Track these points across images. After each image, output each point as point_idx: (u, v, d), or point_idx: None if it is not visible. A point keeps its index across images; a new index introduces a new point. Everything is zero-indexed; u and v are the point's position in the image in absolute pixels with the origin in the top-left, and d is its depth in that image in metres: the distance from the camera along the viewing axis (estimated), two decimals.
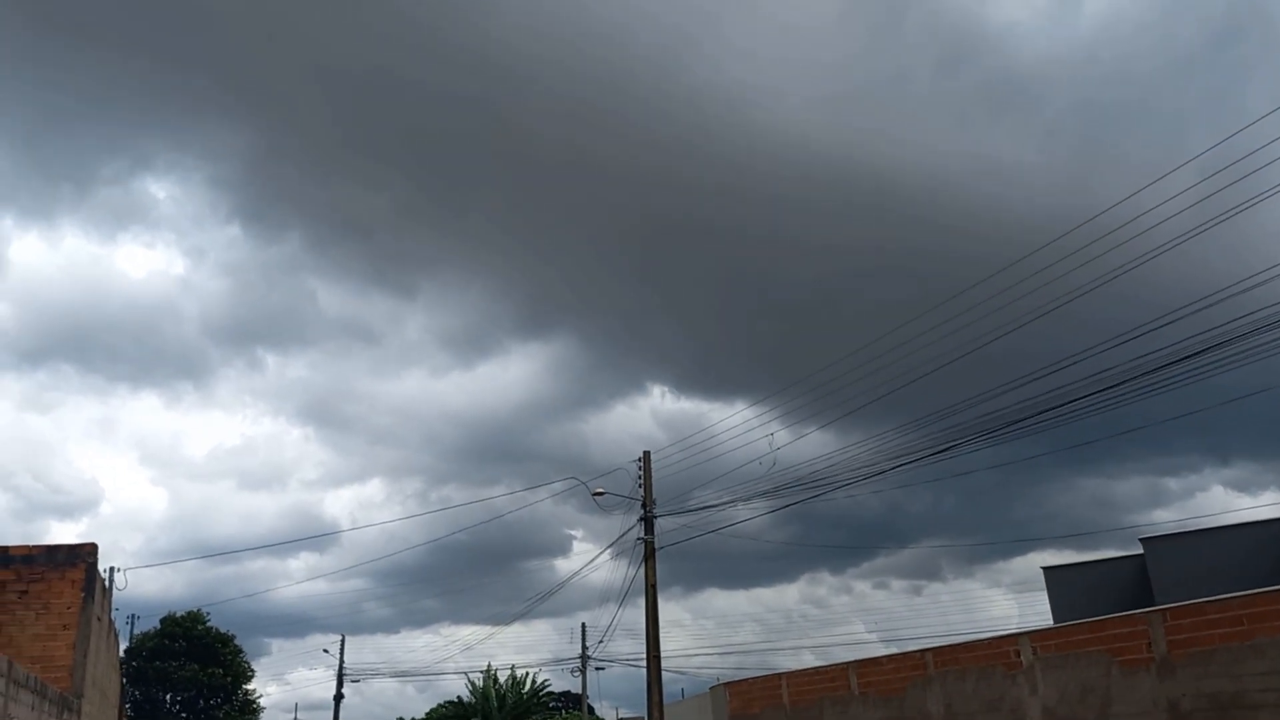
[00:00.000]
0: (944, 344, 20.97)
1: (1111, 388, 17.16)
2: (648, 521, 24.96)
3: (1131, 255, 17.13)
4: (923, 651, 18.53)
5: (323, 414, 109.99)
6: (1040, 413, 18.46)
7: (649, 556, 24.73)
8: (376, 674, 63.80)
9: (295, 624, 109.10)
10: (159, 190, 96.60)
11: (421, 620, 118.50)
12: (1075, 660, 15.14)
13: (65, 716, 11.11)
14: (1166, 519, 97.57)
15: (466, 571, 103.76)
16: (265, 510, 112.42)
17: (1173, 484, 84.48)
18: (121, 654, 29.97)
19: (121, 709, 26.83)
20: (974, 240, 60.51)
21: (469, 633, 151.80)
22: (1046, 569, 24.61)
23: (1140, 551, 23.86)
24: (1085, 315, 19.43)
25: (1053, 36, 68.75)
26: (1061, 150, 67.73)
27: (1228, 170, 15.19)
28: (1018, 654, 16.18)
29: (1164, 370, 16.28)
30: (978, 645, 17.32)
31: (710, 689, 26.82)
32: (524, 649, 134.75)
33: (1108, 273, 17.57)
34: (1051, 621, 23.77)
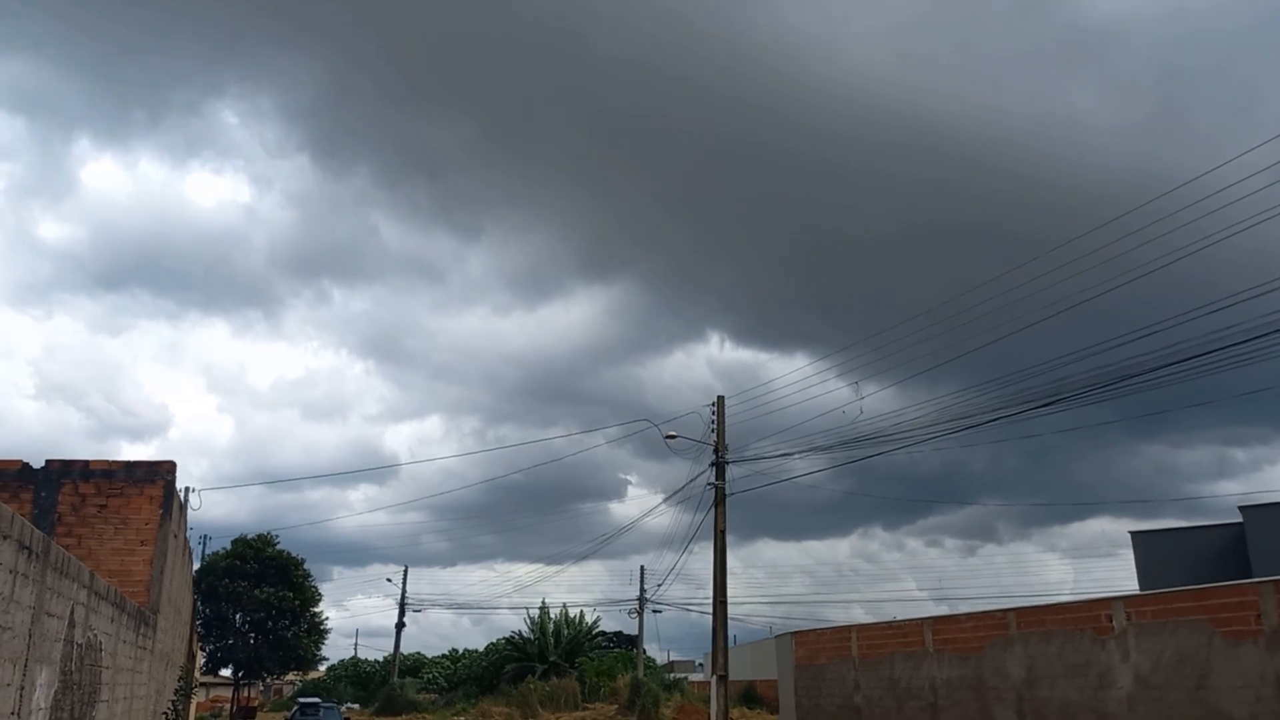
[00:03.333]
0: (1011, 310, 20.18)
1: (1183, 360, 16.60)
2: (719, 467, 24.42)
3: (1215, 226, 16.32)
4: (1005, 611, 17.85)
5: (384, 349, 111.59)
6: (1109, 384, 18.01)
7: (719, 502, 24.24)
8: (435, 605, 65.01)
9: (355, 553, 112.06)
10: (231, 117, 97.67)
11: (477, 556, 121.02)
12: (1173, 628, 14.35)
13: (141, 630, 11.06)
14: (1232, 491, 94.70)
15: (522, 510, 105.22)
16: (326, 441, 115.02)
17: (1240, 455, 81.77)
18: (194, 573, 30.65)
19: (193, 626, 27.43)
20: (1043, 189, 58.25)
21: (525, 571, 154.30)
22: (1135, 533, 23.62)
23: (1235, 520, 22.76)
24: (1170, 278, 18.53)
25: None
26: (1136, 105, 64.71)
27: None
28: (1109, 618, 15.43)
29: (1239, 346, 15.66)
30: (1066, 608, 16.58)
31: (775, 637, 26.49)
32: (576, 589, 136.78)
33: (1189, 244, 16.76)
34: (1137, 588, 22.87)
